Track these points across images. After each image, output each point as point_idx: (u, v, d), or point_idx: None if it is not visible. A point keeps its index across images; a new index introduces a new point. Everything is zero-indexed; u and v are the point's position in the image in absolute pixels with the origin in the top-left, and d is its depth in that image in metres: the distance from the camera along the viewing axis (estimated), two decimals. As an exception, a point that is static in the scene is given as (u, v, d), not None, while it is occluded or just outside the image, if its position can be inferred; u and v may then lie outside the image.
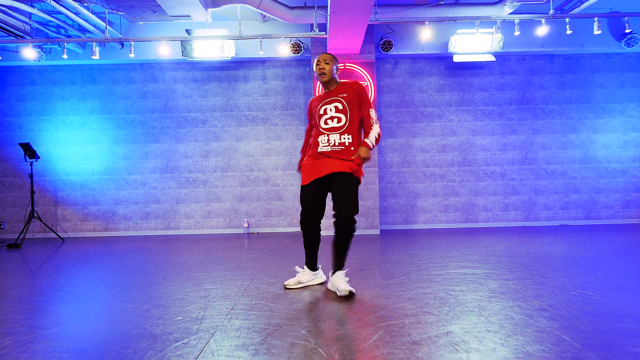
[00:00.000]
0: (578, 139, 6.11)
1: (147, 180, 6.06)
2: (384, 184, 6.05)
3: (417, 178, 6.09)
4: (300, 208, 2.76)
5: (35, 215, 5.32)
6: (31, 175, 5.33)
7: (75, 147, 6.06)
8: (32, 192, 5.34)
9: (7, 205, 6.07)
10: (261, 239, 5.38)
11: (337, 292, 2.55)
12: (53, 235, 5.90)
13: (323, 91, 2.78)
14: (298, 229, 6.03)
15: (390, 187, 6.08)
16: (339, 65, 2.80)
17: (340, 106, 2.65)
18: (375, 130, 2.66)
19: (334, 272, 2.65)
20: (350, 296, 2.50)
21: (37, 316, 2.32)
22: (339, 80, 2.76)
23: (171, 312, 2.32)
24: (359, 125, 2.69)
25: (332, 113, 2.64)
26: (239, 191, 6.08)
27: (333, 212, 2.57)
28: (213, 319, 2.18)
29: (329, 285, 2.70)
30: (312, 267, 2.81)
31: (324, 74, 2.67)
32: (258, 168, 6.08)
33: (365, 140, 2.65)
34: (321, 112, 2.68)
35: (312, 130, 2.81)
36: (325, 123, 2.66)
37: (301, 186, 2.73)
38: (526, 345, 1.75)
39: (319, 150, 2.65)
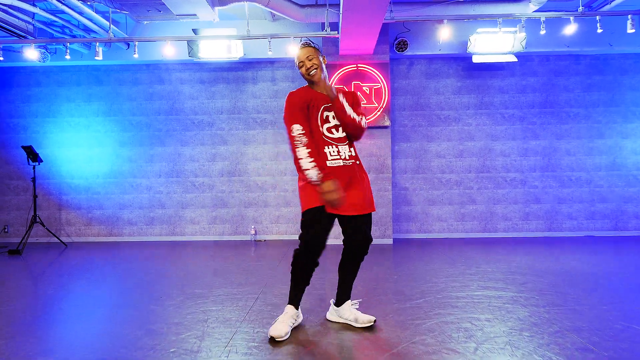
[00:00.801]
0: (605, 145, 5.75)
1: (152, 184, 5.89)
2: (398, 191, 5.78)
3: (432, 185, 5.80)
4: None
5: (38, 220, 5.19)
6: (34, 179, 5.19)
7: (80, 150, 5.92)
8: (35, 197, 5.21)
9: (11, 208, 5.97)
10: (269, 247, 5.16)
11: (355, 324, 2.24)
12: (56, 239, 5.77)
13: (312, 88, 2.24)
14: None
15: (404, 194, 5.80)
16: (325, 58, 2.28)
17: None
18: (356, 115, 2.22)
19: (341, 303, 2.31)
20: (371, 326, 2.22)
21: (20, 342, 2.12)
22: (328, 81, 2.29)
23: (165, 341, 2.10)
24: None
25: (334, 122, 2.21)
26: (246, 197, 5.87)
27: (350, 233, 2.19)
28: (209, 351, 1.96)
29: (332, 316, 2.35)
30: (298, 304, 2.26)
31: (316, 69, 2.15)
32: (266, 173, 5.86)
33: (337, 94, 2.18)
34: (324, 117, 2.20)
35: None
36: (330, 132, 2.21)
37: (316, 207, 2.10)
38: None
39: (329, 164, 2.16)
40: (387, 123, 5.38)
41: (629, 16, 4.49)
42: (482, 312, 2.47)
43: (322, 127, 2.20)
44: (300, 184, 2.21)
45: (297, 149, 2.11)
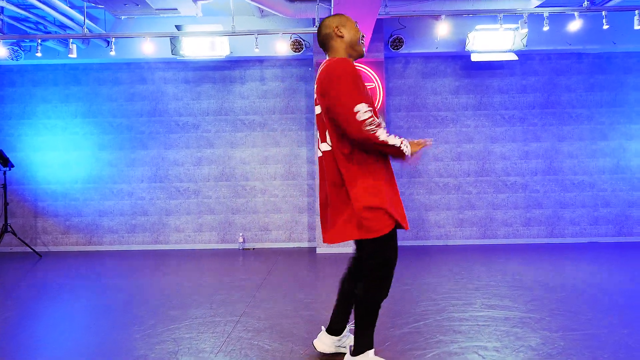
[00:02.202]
0: (609, 147, 5.51)
1: (134, 190, 5.57)
2: (393, 196, 5.50)
3: (429, 189, 5.53)
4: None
5: (10, 229, 4.85)
6: (4, 186, 4.86)
7: (57, 153, 5.58)
8: (6, 204, 4.88)
9: (-16, 216, 5.61)
10: (257, 256, 4.86)
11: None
12: (30, 249, 5.42)
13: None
14: (298, 244, 5.51)
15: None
16: None
17: (318, 110, 1.87)
18: None
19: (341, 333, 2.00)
20: None
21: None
22: None
23: (123, 381, 1.80)
24: None
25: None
26: (233, 202, 5.56)
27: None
28: (174, 396, 1.66)
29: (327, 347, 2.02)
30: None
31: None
32: (255, 177, 5.56)
33: None
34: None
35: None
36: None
37: (392, 231, 1.69)
38: None
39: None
40: (382, 125, 5.09)
41: (636, 11, 4.25)
42: (489, 339, 2.19)
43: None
44: (375, 191, 1.66)
45: (376, 135, 1.61)
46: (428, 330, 2.33)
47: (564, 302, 2.81)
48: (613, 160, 5.51)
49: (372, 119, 1.60)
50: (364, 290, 1.70)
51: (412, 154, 1.72)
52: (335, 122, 1.67)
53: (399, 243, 5.42)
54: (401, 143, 1.67)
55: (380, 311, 2.66)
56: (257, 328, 2.43)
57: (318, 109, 1.77)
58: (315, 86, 1.74)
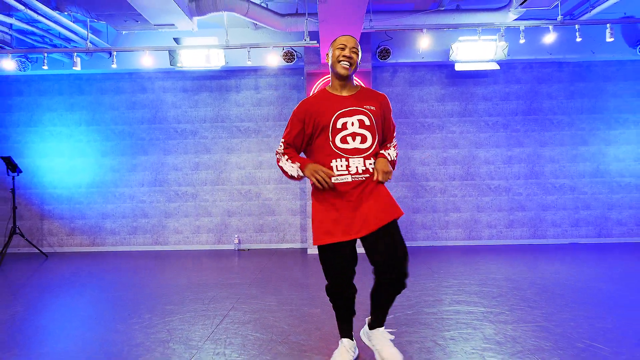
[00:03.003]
0: (589, 152, 5.75)
1: (135, 193, 5.85)
2: (382, 199, 5.75)
3: (416, 193, 5.79)
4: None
5: (18, 231, 5.14)
6: (13, 190, 5.15)
7: (62, 159, 5.88)
8: (14, 208, 5.16)
9: (-7, 218, 5.91)
10: (252, 256, 5.13)
11: (377, 356, 1.98)
12: (37, 249, 5.71)
13: (331, 91, 1.99)
14: (291, 245, 5.77)
15: (388, 202, 5.77)
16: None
17: (367, 121, 1.90)
18: (395, 142, 2.06)
19: (373, 327, 2.05)
20: None
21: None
22: (355, 82, 2.07)
23: (121, 364, 2.07)
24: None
25: (354, 128, 1.89)
26: (229, 205, 5.83)
27: (380, 265, 1.91)
28: (164, 376, 1.93)
29: (364, 337, 2.13)
30: (351, 335, 2.09)
31: (350, 65, 1.90)
32: (250, 181, 5.83)
33: (383, 151, 1.98)
34: (338, 125, 1.89)
35: (301, 146, 2.02)
36: (344, 141, 1.89)
37: (323, 246, 1.91)
38: None
39: (333, 180, 1.89)
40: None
41: (608, 25, 4.49)
42: (448, 330, 2.44)
43: (334, 138, 1.90)
44: (312, 212, 1.99)
45: (279, 163, 2.01)
46: (396, 323, 2.59)
47: (527, 299, 3.06)
48: (593, 164, 5.74)
49: (281, 148, 2.02)
50: None
51: (309, 175, 1.90)
52: None
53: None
54: (295, 169, 1.97)
55: (358, 307, 2.92)
56: (242, 321, 2.69)
57: None
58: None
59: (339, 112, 1.91)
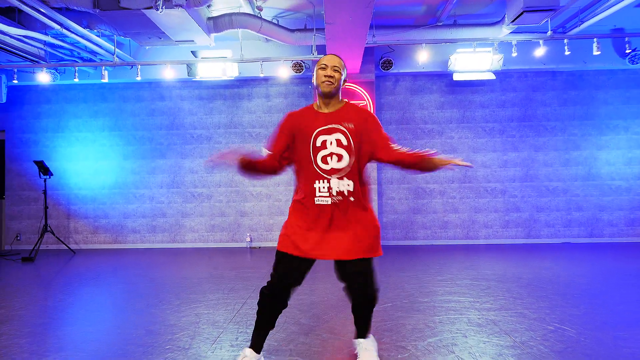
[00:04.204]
0: (581, 156, 6.07)
1: (154, 194, 6.29)
2: (384, 200, 6.13)
3: (417, 194, 6.15)
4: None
5: (49, 229, 5.59)
6: (45, 192, 5.60)
7: (87, 163, 6.33)
8: (46, 208, 5.62)
9: (23, 217, 6.38)
10: (262, 253, 5.53)
11: None
12: (65, 246, 6.17)
13: (315, 108, 2.02)
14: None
15: (390, 203, 6.15)
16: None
17: (344, 140, 1.92)
18: (400, 147, 1.99)
19: (358, 337, 2.16)
20: None
21: (37, 341, 2.50)
22: (341, 98, 2.03)
23: (161, 340, 2.47)
24: (364, 167, 2.01)
25: (332, 148, 1.92)
26: (242, 206, 6.25)
27: (348, 291, 2.01)
28: (199, 348, 2.33)
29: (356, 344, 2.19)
30: (259, 348, 2.04)
31: (331, 83, 1.93)
32: (261, 184, 6.24)
33: (423, 154, 1.92)
34: (318, 143, 1.93)
35: (280, 156, 2.00)
36: (324, 162, 1.92)
37: (281, 251, 1.98)
38: (487, 387, 1.84)
39: (316, 202, 1.93)
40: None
41: (595, 39, 4.83)
42: (438, 315, 2.82)
43: (316, 157, 1.93)
44: (287, 220, 2.05)
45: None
46: (393, 309, 2.97)
47: (511, 291, 3.42)
48: (585, 168, 6.06)
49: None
50: None
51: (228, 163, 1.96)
52: None
53: (392, 243, 6.03)
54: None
55: (346, 320, 3.31)
56: (259, 307, 3.09)
57: None
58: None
59: (319, 129, 1.93)
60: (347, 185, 1.92)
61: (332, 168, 1.92)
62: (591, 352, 2.18)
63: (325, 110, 1.99)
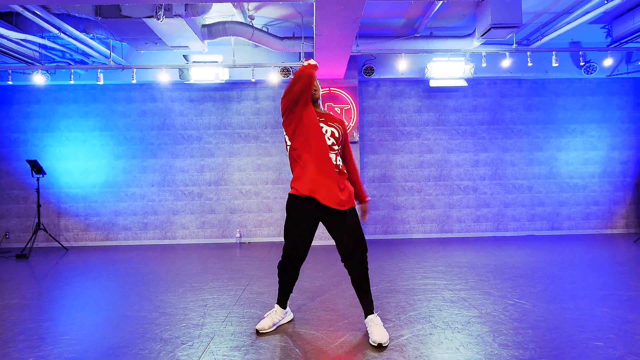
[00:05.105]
0: (543, 157, 6.69)
1: (145, 193, 6.49)
2: (366, 197, 6.55)
3: (396, 192, 6.61)
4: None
5: (42, 227, 5.71)
6: (38, 190, 5.72)
7: (78, 162, 6.46)
8: (39, 206, 5.74)
9: (12, 216, 6.45)
10: (252, 249, 5.84)
11: (370, 340, 2.31)
12: (56, 244, 6.29)
13: None
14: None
15: (372, 201, 6.58)
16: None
17: (336, 134, 2.47)
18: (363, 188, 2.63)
19: (366, 314, 2.43)
20: (379, 347, 2.24)
21: (57, 325, 2.76)
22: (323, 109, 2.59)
23: (176, 319, 2.78)
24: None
25: (328, 135, 2.43)
26: (231, 203, 6.53)
27: (345, 253, 2.37)
28: (212, 325, 2.65)
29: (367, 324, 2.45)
30: (285, 305, 2.64)
31: (316, 90, 2.48)
32: (249, 182, 6.54)
33: (368, 197, 2.64)
34: (323, 130, 2.43)
35: (299, 142, 2.41)
36: (329, 140, 2.44)
37: (291, 218, 2.43)
38: (460, 346, 2.26)
39: (335, 164, 2.43)
40: (357, 139, 6.16)
41: (553, 53, 5.40)
42: (417, 295, 3.25)
43: (324, 136, 2.42)
44: (297, 172, 2.44)
45: (297, 81, 2.31)
46: (377, 291, 3.37)
47: (480, 275, 3.89)
48: (546, 167, 6.68)
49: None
50: None
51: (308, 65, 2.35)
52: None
53: (373, 237, 6.43)
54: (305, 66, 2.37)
55: (347, 282, 3.70)
56: (260, 292, 3.43)
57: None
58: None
59: (320, 119, 2.45)
60: (341, 161, 2.50)
61: (332, 148, 2.44)
62: (541, 319, 2.64)
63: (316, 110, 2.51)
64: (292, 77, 2.36)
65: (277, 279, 2.64)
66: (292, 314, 2.76)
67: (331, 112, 2.76)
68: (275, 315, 2.60)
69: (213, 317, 2.80)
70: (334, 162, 2.42)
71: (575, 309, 2.84)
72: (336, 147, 2.45)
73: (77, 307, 3.12)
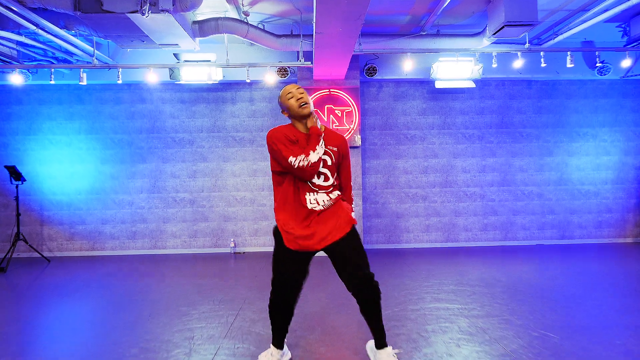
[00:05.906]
0: (553, 162, 6.37)
1: (134, 199, 6.12)
2: (368, 205, 6.22)
3: (400, 199, 6.28)
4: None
5: (21, 237, 5.34)
6: (17, 198, 5.34)
7: (62, 167, 6.08)
8: (18, 215, 5.36)
9: (-8, 224, 6.06)
10: (247, 259, 5.49)
11: None
12: (38, 254, 5.91)
13: (295, 129, 2.16)
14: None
15: (374, 208, 6.25)
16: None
17: (329, 161, 2.15)
18: (351, 195, 2.37)
19: (379, 347, 2.21)
20: None
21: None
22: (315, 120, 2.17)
23: (158, 358, 2.43)
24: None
25: (319, 168, 2.12)
26: (225, 211, 6.18)
27: (351, 279, 2.13)
28: (197, 366, 2.31)
29: (371, 353, 2.32)
30: (281, 345, 2.30)
31: (307, 104, 2.10)
32: (245, 188, 6.19)
33: (353, 215, 2.25)
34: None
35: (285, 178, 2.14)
36: (317, 177, 2.14)
37: (281, 248, 2.14)
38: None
39: (308, 206, 2.12)
40: (358, 143, 5.81)
41: (568, 53, 5.07)
42: (429, 324, 2.91)
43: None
44: (281, 221, 2.16)
45: (307, 167, 2.03)
46: (386, 318, 3.03)
47: (495, 296, 3.56)
48: (557, 173, 6.37)
49: (297, 160, 2.07)
50: None
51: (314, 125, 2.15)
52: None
53: (375, 247, 6.10)
54: (319, 150, 2.12)
55: (348, 304, 3.36)
56: (252, 319, 3.08)
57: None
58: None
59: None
60: (331, 196, 2.19)
61: (319, 185, 2.14)
62: (578, 357, 2.31)
63: (306, 132, 2.17)
64: (300, 163, 2.04)
65: (269, 318, 2.27)
66: (289, 354, 2.43)
67: (332, 128, 2.42)
68: (272, 359, 2.28)
69: (199, 355, 2.45)
70: (322, 202, 2.14)
71: (608, 344, 2.51)
72: (328, 183, 2.16)
73: (52, 337, 2.76)
